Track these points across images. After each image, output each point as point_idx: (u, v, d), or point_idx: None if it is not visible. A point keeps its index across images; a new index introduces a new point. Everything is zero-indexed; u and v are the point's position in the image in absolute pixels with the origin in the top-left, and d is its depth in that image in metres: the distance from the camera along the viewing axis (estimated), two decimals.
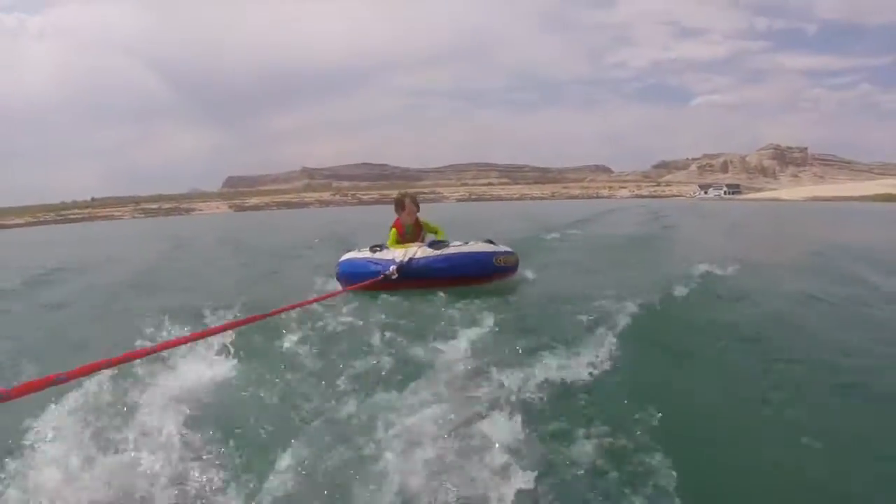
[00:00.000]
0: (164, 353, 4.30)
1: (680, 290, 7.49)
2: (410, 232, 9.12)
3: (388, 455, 3.25)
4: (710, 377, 4.79)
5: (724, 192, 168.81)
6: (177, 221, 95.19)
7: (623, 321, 5.68)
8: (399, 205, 9.11)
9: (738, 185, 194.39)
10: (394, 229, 9.11)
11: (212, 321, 6.21)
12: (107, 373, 4.01)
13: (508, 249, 8.86)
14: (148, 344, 4.62)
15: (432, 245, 8.33)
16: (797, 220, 37.40)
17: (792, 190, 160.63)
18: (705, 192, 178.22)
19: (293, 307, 5.53)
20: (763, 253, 16.18)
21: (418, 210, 9.24)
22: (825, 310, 7.39)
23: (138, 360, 3.98)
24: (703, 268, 9.09)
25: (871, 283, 9.55)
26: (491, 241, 8.80)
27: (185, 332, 5.22)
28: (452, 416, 3.63)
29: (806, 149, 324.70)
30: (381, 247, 8.66)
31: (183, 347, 4.51)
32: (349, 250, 9.14)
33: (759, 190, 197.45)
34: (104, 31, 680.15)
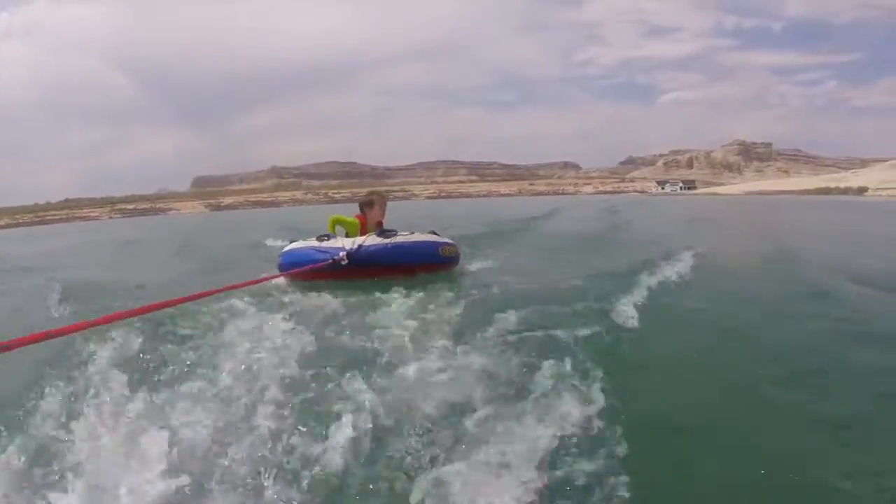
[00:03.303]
0: (87, 332, 4.39)
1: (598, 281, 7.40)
2: (373, 228, 8.89)
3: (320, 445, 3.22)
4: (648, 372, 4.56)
5: (680, 188, 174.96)
6: (158, 221, 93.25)
7: (561, 318, 5.35)
8: (368, 204, 9.15)
9: (693, 182, 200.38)
10: (356, 221, 9.04)
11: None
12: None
13: (451, 241, 9.00)
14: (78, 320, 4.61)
15: (380, 234, 8.29)
16: (716, 209, 41.88)
17: (734, 185, 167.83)
18: (662, 188, 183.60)
19: (227, 289, 5.37)
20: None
21: (384, 211, 9.26)
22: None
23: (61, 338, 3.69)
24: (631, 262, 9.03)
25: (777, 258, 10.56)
26: (435, 233, 8.97)
27: (110, 310, 4.98)
28: (397, 406, 3.60)
29: (770, 144, 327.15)
30: (329, 236, 8.53)
31: (109, 330, 4.71)
32: (293, 241, 9.08)
33: (722, 185, 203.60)
34: (72, 32, 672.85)
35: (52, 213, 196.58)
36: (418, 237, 8.51)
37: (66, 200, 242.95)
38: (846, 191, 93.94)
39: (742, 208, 44.40)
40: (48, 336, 2.67)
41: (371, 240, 8.09)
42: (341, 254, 7.77)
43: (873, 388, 4.13)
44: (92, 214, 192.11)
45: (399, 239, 8.24)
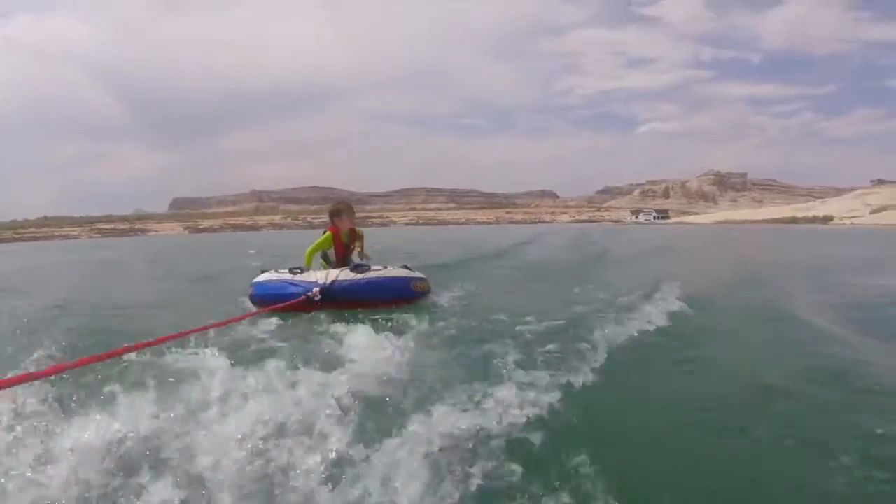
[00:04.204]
0: (65, 375, 3.98)
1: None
2: (346, 238, 9.25)
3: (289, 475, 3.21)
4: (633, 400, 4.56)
5: (654, 217, 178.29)
6: (139, 242, 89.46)
7: (530, 345, 5.51)
8: (336, 213, 9.19)
9: (666, 211, 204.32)
10: (329, 233, 9.19)
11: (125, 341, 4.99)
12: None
13: (422, 276, 9.02)
14: (51, 362, 4.64)
15: (354, 269, 8.34)
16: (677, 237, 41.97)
17: (704, 215, 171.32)
18: (636, 217, 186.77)
19: (206, 328, 5.34)
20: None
21: (352, 220, 9.35)
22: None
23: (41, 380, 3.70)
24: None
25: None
26: (407, 267, 8.94)
27: (90, 352, 4.89)
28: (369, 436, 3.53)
29: (745, 174, 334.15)
30: (301, 269, 8.56)
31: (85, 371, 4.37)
32: (264, 271, 8.94)
33: (696, 213, 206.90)
34: (53, 45, 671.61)
35: (32, 230, 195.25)
36: (391, 272, 8.56)
37: (45, 218, 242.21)
38: (813, 219, 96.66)
39: (704, 236, 46.14)
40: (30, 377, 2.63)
41: (345, 275, 8.17)
42: (315, 290, 7.81)
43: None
44: (72, 233, 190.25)
45: (372, 274, 8.33)
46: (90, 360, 3.37)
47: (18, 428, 3.64)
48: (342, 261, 9.15)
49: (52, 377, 3.64)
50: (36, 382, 3.81)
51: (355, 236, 9.33)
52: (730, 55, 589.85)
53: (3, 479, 3.18)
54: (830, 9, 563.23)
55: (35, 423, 3.70)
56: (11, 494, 3.09)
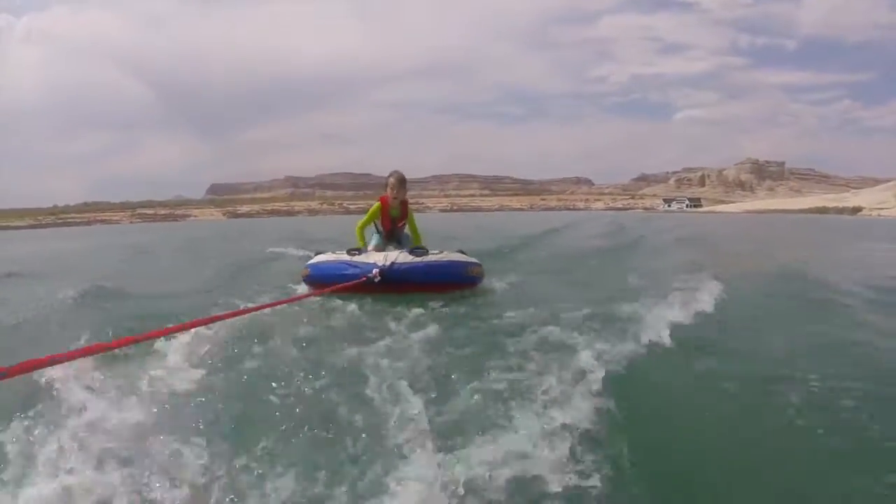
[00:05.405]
0: (119, 350, 3.96)
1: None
2: (395, 212, 9.22)
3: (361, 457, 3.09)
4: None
5: (686, 206, 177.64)
6: (183, 226, 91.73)
7: (584, 335, 5.19)
8: (390, 178, 9.15)
9: (699, 200, 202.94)
10: (378, 203, 9.19)
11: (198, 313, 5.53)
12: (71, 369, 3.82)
13: (477, 261, 9.01)
14: (132, 333, 4.62)
15: (412, 252, 8.28)
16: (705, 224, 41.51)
17: (734, 204, 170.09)
18: (668, 205, 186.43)
19: (265, 307, 5.42)
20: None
21: (405, 190, 9.29)
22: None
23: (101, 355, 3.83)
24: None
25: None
26: (462, 252, 8.95)
27: (160, 325, 4.78)
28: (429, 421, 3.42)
29: (783, 163, 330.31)
30: (359, 251, 8.54)
31: (144, 344, 4.38)
32: (319, 252, 9.06)
33: (732, 202, 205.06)
34: (90, 38, 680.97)
35: (73, 215, 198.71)
36: (448, 256, 8.49)
37: (86, 204, 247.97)
38: (842, 210, 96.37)
39: (726, 225, 46.87)
40: (102, 349, 2.71)
41: (403, 257, 8.07)
42: (374, 271, 7.72)
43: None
44: (113, 218, 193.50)
45: (430, 258, 8.23)
46: (147, 336, 3.48)
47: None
48: (389, 234, 9.33)
49: (116, 350, 3.64)
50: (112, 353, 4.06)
51: (406, 212, 9.40)
52: (765, 42, 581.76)
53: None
54: None
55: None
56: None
